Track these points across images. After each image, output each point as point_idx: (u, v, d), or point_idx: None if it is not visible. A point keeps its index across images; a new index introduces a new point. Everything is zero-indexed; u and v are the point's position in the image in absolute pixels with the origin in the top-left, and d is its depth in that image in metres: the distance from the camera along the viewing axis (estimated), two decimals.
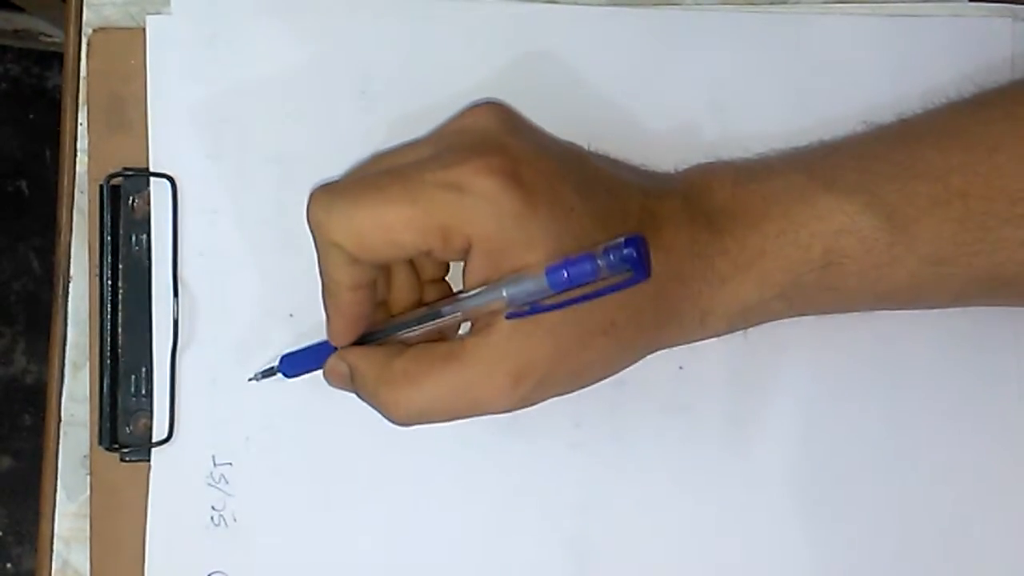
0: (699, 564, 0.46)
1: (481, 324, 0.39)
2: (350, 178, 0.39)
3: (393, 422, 0.40)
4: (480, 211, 0.37)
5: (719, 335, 0.43)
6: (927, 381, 0.46)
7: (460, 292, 0.40)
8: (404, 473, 0.46)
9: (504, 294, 0.37)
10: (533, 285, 0.37)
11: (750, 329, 0.45)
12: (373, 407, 0.40)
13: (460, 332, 0.43)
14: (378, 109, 0.46)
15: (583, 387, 0.41)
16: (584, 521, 0.46)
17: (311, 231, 0.39)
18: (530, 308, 0.37)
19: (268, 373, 0.45)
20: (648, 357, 0.45)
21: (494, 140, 0.39)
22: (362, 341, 0.41)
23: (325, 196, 0.38)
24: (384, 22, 0.46)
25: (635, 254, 0.35)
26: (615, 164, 0.44)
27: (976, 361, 0.46)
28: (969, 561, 0.46)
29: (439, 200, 0.37)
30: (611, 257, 0.36)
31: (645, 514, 0.46)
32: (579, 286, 0.36)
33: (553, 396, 0.40)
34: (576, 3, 0.47)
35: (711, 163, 0.44)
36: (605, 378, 0.41)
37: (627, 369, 0.45)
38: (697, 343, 0.45)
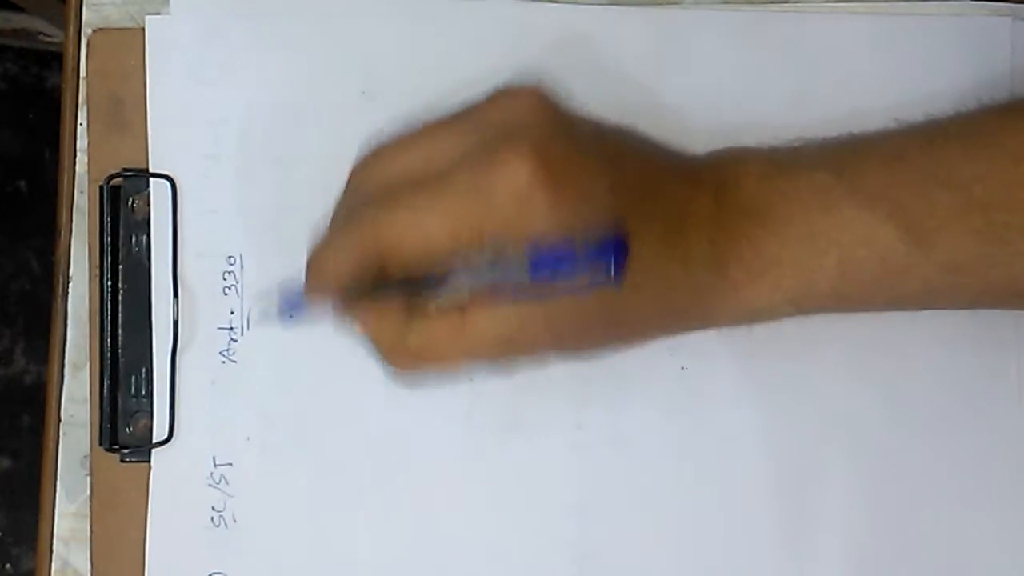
0: (700, 566, 0.46)
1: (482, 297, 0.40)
2: (391, 177, 0.39)
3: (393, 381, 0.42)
4: (509, 211, 0.37)
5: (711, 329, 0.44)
6: (927, 380, 0.46)
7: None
8: (404, 474, 0.46)
9: (487, 275, 0.38)
10: (516, 269, 0.37)
11: (753, 330, 0.45)
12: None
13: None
14: (379, 109, 0.46)
15: (572, 360, 0.44)
16: (585, 523, 0.46)
17: (346, 218, 0.40)
18: (498, 289, 0.38)
19: (269, 316, 0.45)
20: (650, 358, 0.46)
21: (528, 134, 0.38)
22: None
23: (372, 198, 0.39)
24: (385, 22, 0.46)
25: (614, 260, 0.35)
26: (654, 151, 0.44)
27: (976, 360, 0.46)
28: (969, 561, 0.46)
29: (470, 206, 0.37)
30: (591, 257, 0.36)
31: (646, 516, 0.46)
32: (556, 278, 0.37)
33: (536, 365, 0.42)
34: (576, 2, 0.47)
35: (741, 150, 0.44)
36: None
37: (628, 370, 0.46)
38: (696, 343, 0.45)
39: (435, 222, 0.38)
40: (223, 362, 0.46)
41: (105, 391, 0.45)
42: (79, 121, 0.47)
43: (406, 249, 0.38)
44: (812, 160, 0.43)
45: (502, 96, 0.40)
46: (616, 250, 0.36)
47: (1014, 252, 0.40)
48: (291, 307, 0.44)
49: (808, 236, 0.40)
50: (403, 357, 0.40)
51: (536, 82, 0.40)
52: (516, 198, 0.37)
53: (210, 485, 0.46)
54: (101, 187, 0.46)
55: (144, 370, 0.46)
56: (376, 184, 0.40)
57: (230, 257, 0.46)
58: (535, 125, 0.39)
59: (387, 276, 0.41)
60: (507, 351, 0.40)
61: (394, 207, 0.38)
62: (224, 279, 0.46)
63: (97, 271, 0.46)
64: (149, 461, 0.46)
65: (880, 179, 0.41)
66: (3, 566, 1.16)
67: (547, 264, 0.36)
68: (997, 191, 0.39)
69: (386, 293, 0.40)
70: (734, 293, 0.41)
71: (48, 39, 1.10)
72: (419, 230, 0.38)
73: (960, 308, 0.44)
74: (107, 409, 0.45)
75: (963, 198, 0.40)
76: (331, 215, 0.41)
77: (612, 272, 0.36)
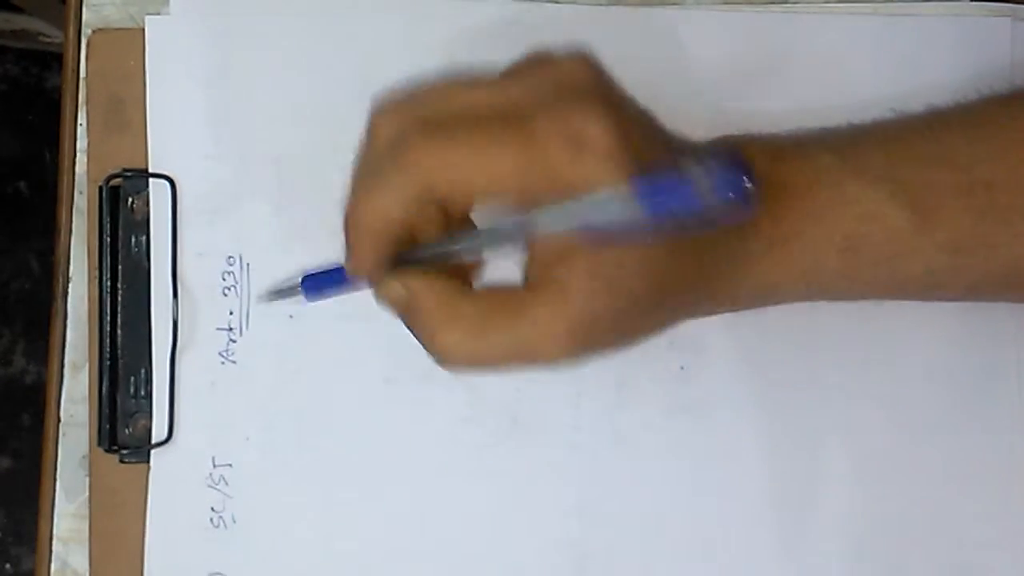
0: (700, 566, 0.46)
1: (547, 274, 0.36)
2: (441, 113, 0.36)
3: (439, 364, 0.37)
4: (596, 168, 0.34)
5: (728, 312, 0.42)
6: (926, 377, 0.46)
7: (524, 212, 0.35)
8: (403, 474, 0.46)
9: (576, 218, 0.34)
10: (617, 207, 0.33)
11: (753, 328, 0.45)
12: (417, 339, 0.37)
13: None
14: None
15: (623, 350, 0.39)
16: (583, 522, 0.46)
17: (389, 154, 0.35)
18: (612, 231, 0.34)
19: (287, 293, 0.41)
20: (650, 358, 0.46)
21: (604, 96, 0.36)
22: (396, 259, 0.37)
23: (424, 128, 0.35)
24: (385, 21, 0.47)
25: (742, 175, 0.32)
26: (669, 131, 0.42)
27: (976, 359, 0.47)
28: (968, 561, 0.46)
29: (556, 151, 0.34)
30: (713, 179, 0.32)
31: (645, 516, 0.46)
32: (667, 215, 0.33)
33: (598, 357, 0.38)
34: (577, 2, 0.47)
35: (744, 136, 0.43)
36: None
37: (628, 370, 0.46)
38: (696, 342, 0.46)
39: (513, 160, 0.34)
40: (222, 363, 0.46)
41: (104, 391, 0.45)
42: (79, 121, 0.47)
43: (473, 186, 0.35)
44: (813, 145, 0.43)
45: (554, 60, 0.37)
46: (739, 166, 0.31)
47: (1015, 233, 0.39)
48: (317, 284, 0.40)
49: (817, 212, 0.40)
50: (455, 331, 0.36)
51: (584, 50, 0.37)
52: (605, 159, 0.34)
53: (209, 486, 0.46)
54: (101, 187, 0.46)
55: (143, 370, 0.46)
56: (417, 124, 0.35)
57: (230, 257, 0.46)
58: (605, 88, 0.37)
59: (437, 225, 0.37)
60: (575, 338, 0.36)
61: (455, 138, 0.34)
62: (224, 279, 0.46)
63: (97, 271, 0.46)
64: (148, 461, 0.46)
65: (883, 160, 0.41)
66: (3, 566, 1.16)
67: (657, 195, 0.32)
68: (1000, 172, 0.39)
69: (429, 256, 0.37)
70: (755, 266, 0.40)
71: (48, 40, 1.11)
72: (486, 165, 0.34)
73: (961, 298, 0.43)
74: (106, 409, 0.45)
75: (965, 178, 0.40)
76: (353, 172, 0.37)
77: (741, 190, 0.32)
